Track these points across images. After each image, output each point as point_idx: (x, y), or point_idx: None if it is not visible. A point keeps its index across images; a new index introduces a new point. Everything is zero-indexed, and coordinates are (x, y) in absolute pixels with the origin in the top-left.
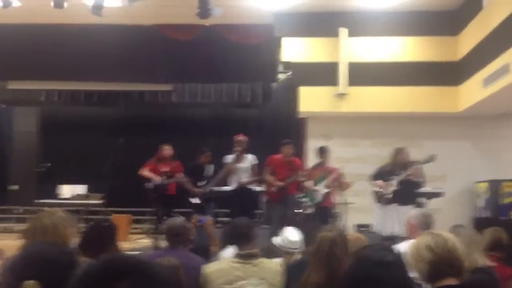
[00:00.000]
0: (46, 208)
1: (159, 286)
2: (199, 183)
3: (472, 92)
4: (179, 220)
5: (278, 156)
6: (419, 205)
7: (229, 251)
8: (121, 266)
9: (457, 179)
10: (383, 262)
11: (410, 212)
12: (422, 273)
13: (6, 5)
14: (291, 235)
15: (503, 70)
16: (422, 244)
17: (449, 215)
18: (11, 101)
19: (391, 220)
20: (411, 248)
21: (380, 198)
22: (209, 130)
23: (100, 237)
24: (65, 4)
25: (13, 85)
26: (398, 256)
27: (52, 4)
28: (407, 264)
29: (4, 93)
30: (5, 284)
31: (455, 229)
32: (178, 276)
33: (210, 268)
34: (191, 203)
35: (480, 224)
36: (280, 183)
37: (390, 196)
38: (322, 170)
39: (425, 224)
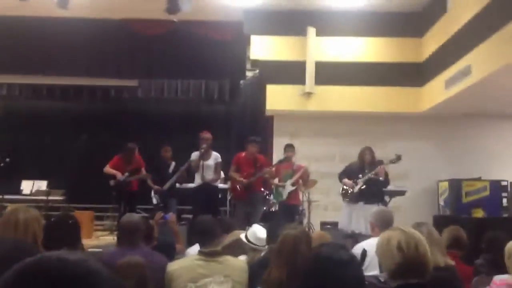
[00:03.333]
0: (10, 205)
1: None
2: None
3: (435, 93)
4: (135, 216)
5: (243, 154)
6: (385, 204)
7: (195, 248)
8: (57, 267)
9: (419, 178)
10: (338, 260)
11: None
12: (388, 271)
13: None
14: (259, 232)
15: (465, 72)
16: (393, 242)
17: (411, 213)
18: None
19: (357, 218)
20: (381, 244)
21: (347, 196)
22: (175, 126)
23: (64, 233)
24: None
25: None
26: (353, 255)
27: None
28: (360, 263)
29: None
30: None
31: (418, 226)
32: (143, 275)
33: (174, 266)
34: (152, 200)
35: (441, 222)
36: (244, 180)
37: (357, 194)
38: (289, 167)
39: (384, 221)
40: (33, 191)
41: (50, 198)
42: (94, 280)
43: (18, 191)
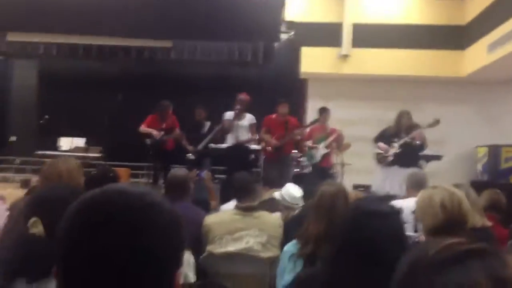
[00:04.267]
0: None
1: (159, 231)
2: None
3: (477, 57)
4: (181, 171)
5: (273, 116)
6: (420, 168)
7: (231, 204)
8: (122, 198)
9: (457, 143)
10: (378, 212)
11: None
12: (428, 227)
13: None
14: (292, 190)
15: (509, 36)
16: (436, 200)
17: (448, 178)
18: (10, 54)
19: (392, 182)
20: (423, 201)
21: (382, 160)
22: (208, 88)
23: (104, 184)
24: None
25: (12, 37)
26: (393, 208)
27: None
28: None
29: (3, 46)
30: (16, 223)
31: (456, 187)
32: (179, 226)
33: (212, 219)
34: (187, 158)
35: (478, 187)
36: (275, 141)
37: (392, 158)
38: (322, 130)
39: (418, 183)
40: (72, 147)
41: (88, 154)
42: (156, 210)
43: (56, 148)
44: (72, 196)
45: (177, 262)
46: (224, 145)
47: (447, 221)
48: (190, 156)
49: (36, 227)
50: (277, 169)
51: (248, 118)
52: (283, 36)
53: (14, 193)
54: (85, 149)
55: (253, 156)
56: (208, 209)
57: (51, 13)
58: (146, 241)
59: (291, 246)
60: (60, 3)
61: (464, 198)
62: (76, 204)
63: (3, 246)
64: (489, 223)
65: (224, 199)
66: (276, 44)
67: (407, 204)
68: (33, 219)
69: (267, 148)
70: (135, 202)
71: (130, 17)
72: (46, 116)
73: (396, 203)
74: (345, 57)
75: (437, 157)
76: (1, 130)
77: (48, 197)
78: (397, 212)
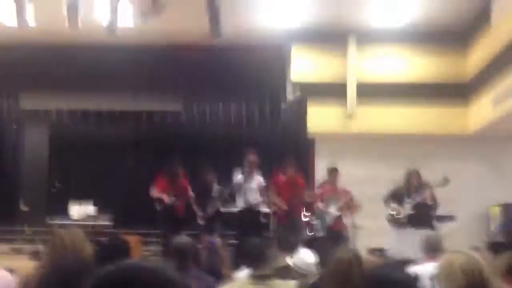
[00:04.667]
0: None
1: None
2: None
3: (483, 112)
4: (184, 238)
5: (281, 177)
6: (434, 229)
7: (244, 273)
8: (136, 275)
9: (469, 202)
10: (396, 280)
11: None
12: None
13: (22, 25)
14: (307, 256)
15: None
16: (456, 265)
17: (462, 239)
18: (22, 121)
19: (406, 244)
20: (444, 267)
21: (395, 221)
22: (217, 149)
23: (116, 256)
24: (80, 24)
25: (25, 105)
26: (411, 276)
27: (66, 24)
28: (420, 285)
29: (15, 113)
30: None
31: (474, 250)
32: None
33: None
34: (197, 224)
35: (494, 248)
36: (284, 205)
37: (405, 219)
38: (333, 191)
39: (434, 248)
40: (82, 216)
41: (98, 222)
42: (172, 285)
43: (67, 215)
44: (83, 270)
45: None
46: (235, 209)
47: (470, 287)
48: (200, 221)
49: None
50: (289, 232)
51: (258, 180)
52: (290, 96)
53: (24, 265)
54: (95, 217)
55: (264, 219)
56: (220, 277)
57: (63, 80)
58: None
59: None
60: (72, 70)
61: (485, 263)
62: (92, 281)
63: None
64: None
65: (237, 266)
66: (283, 104)
67: (424, 270)
68: None
69: (278, 210)
70: (149, 280)
71: (140, 82)
72: (58, 184)
73: (413, 269)
74: (351, 115)
75: (451, 218)
76: (11, 198)
77: (65, 271)
78: (415, 280)
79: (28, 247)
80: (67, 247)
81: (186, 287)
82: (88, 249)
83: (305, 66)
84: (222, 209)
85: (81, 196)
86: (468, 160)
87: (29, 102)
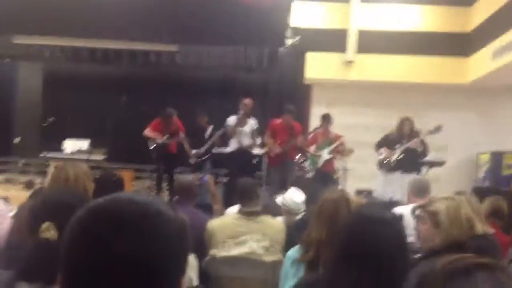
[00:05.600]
0: (53, 163)
1: (168, 240)
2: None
3: (482, 63)
4: (188, 177)
5: (278, 121)
6: (421, 174)
7: (235, 208)
8: (127, 208)
9: (459, 149)
10: (380, 219)
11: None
12: (450, 239)
13: None
14: (295, 196)
15: None
16: (463, 213)
17: (450, 184)
18: (15, 56)
19: (393, 187)
20: (448, 211)
21: (384, 165)
22: (213, 92)
23: (109, 190)
24: None
25: (18, 40)
26: (395, 215)
27: None
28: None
29: (9, 48)
30: (24, 226)
31: (457, 195)
32: (185, 234)
33: (215, 223)
34: (189, 162)
35: (480, 194)
36: (278, 148)
37: (394, 163)
38: (326, 136)
39: (420, 191)
40: (75, 150)
41: (92, 157)
42: (162, 219)
43: (61, 150)
44: (82, 203)
45: (183, 270)
46: (227, 150)
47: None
48: (191, 160)
49: (49, 232)
50: (280, 173)
51: (251, 124)
52: (288, 42)
53: (17, 194)
54: (89, 152)
55: (256, 160)
56: (211, 212)
57: (56, 16)
58: (153, 250)
59: (294, 252)
60: (67, 6)
61: (469, 207)
62: (83, 213)
63: (11, 247)
64: (491, 230)
65: (227, 202)
66: (281, 50)
67: (408, 211)
68: (46, 224)
69: (271, 153)
70: (141, 212)
71: (136, 21)
72: (50, 119)
73: (398, 209)
74: (350, 63)
75: (440, 163)
76: (5, 132)
77: (59, 202)
78: (399, 218)
79: (22, 177)
80: (70, 180)
81: (177, 220)
82: (90, 185)
83: (306, 11)
84: (214, 150)
85: (75, 131)
86: (462, 110)
87: (23, 38)
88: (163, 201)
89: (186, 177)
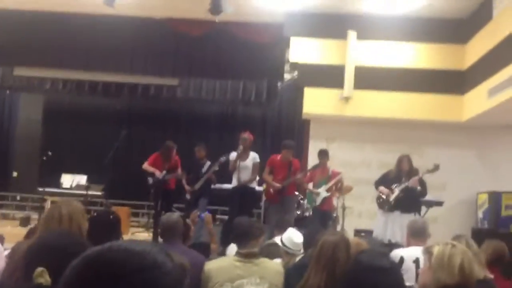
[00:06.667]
0: (50, 198)
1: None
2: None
3: (477, 102)
4: (174, 215)
5: (277, 157)
6: (421, 213)
7: (234, 249)
8: (123, 258)
9: (458, 189)
10: (379, 268)
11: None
12: (441, 285)
13: None
14: (295, 236)
15: (510, 81)
16: (455, 261)
17: (449, 225)
18: (16, 88)
19: (393, 227)
20: (441, 258)
21: (383, 205)
22: (212, 126)
23: (106, 228)
24: None
25: (19, 72)
26: (394, 263)
27: None
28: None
29: (9, 80)
30: (18, 270)
31: (457, 239)
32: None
33: (212, 265)
34: (186, 199)
35: (479, 235)
36: (277, 184)
37: (393, 203)
38: (324, 173)
39: (419, 233)
40: (73, 185)
41: (89, 193)
42: (159, 271)
43: (58, 185)
44: (77, 247)
45: None
46: (226, 185)
47: (461, 284)
48: (187, 196)
49: (43, 277)
50: (279, 210)
51: (251, 158)
52: (287, 77)
53: (13, 231)
54: (86, 187)
55: (255, 197)
56: (208, 252)
57: (57, 49)
58: None
59: None
60: (69, 39)
61: (470, 252)
62: (79, 263)
63: None
64: (491, 275)
65: (225, 242)
66: (279, 84)
67: (408, 254)
68: (40, 269)
69: (270, 189)
70: (137, 264)
71: (137, 54)
72: (49, 153)
73: (398, 252)
74: (347, 99)
75: (439, 203)
76: (4, 165)
77: (54, 246)
78: (398, 266)
79: (17, 213)
80: (63, 219)
81: (175, 271)
82: (85, 224)
83: (304, 47)
84: (213, 186)
85: (73, 166)
86: (459, 148)
87: (24, 70)
88: (162, 249)
89: (171, 216)
